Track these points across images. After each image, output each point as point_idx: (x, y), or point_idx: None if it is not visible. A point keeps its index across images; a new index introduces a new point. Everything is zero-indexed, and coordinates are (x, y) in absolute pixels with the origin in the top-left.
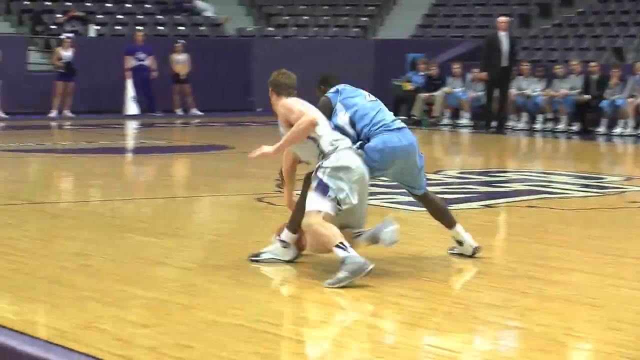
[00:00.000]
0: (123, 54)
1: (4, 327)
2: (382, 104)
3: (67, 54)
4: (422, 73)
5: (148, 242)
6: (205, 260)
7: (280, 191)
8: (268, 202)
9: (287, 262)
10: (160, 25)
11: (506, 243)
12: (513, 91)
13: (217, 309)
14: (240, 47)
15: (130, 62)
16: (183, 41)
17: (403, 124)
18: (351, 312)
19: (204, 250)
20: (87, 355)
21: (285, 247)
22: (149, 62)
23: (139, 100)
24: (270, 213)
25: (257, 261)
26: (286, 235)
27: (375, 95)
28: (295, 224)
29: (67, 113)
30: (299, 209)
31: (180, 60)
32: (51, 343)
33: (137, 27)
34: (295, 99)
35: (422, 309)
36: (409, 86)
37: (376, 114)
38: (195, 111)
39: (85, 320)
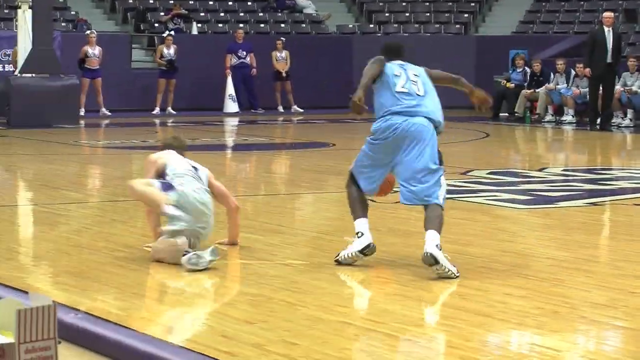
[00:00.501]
0: (224, 51)
1: (110, 321)
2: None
3: (169, 51)
4: (520, 69)
5: (251, 238)
6: (308, 257)
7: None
8: (370, 200)
9: (365, 250)
10: (262, 22)
11: (612, 242)
12: (618, 87)
13: (322, 306)
14: (341, 44)
15: (231, 59)
16: (283, 39)
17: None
18: (455, 311)
19: (307, 247)
20: (194, 352)
21: (359, 236)
22: (249, 59)
23: (240, 97)
24: (372, 210)
25: (338, 262)
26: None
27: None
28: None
29: (170, 110)
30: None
31: (281, 58)
32: (157, 339)
33: (239, 25)
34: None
35: (528, 308)
36: (509, 85)
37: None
38: (296, 108)
39: (191, 316)
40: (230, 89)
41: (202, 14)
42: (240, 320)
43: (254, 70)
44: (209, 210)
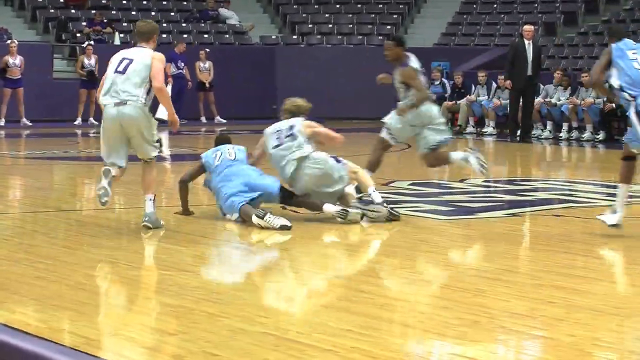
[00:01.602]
0: None
1: (30, 334)
2: None
3: (90, 62)
4: (437, 82)
5: (173, 249)
6: (230, 267)
7: None
8: (293, 210)
9: None
10: (185, 32)
11: (532, 252)
12: (539, 99)
13: (244, 317)
14: (264, 55)
15: (171, 69)
16: (207, 49)
17: None
18: (376, 321)
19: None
20: None
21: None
22: (185, 71)
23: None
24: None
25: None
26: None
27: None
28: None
29: (92, 121)
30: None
31: (204, 68)
32: (77, 350)
33: (162, 35)
34: None
35: (448, 318)
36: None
37: None
38: (219, 119)
39: (111, 327)
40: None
41: (124, 24)
42: (161, 332)
43: (190, 83)
44: None
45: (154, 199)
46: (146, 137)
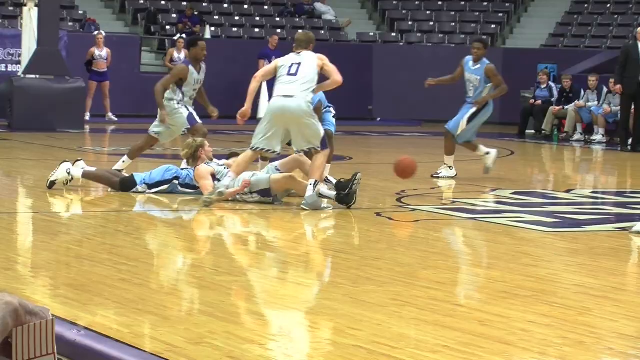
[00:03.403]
0: (239, 56)
1: (111, 338)
2: None
3: (180, 55)
4: (544, 85)
5: (261, 254)
6: (322, 277)
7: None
8: (388, 217)
9: None
10: (278, 27)
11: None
12: None
13: (335, 328)
14: (361, 53)
15: (265, 65)
16: None
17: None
18: (475, 338)
19: (321, 266)
20: None
21: None
22: None
23: None
24: (390, 228)
25: None
26: None
27: (503, 107)
28: None
29: None
30: None
31: None
32: (159, 357)
33: (255, 29)
34: None
35: (552, 337)
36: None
37: None
38: None
39: (196, 335)
40: (265, 96)
41: (215, 17)
42: (249, 341)
43: None
44: None
45: (313, 184)
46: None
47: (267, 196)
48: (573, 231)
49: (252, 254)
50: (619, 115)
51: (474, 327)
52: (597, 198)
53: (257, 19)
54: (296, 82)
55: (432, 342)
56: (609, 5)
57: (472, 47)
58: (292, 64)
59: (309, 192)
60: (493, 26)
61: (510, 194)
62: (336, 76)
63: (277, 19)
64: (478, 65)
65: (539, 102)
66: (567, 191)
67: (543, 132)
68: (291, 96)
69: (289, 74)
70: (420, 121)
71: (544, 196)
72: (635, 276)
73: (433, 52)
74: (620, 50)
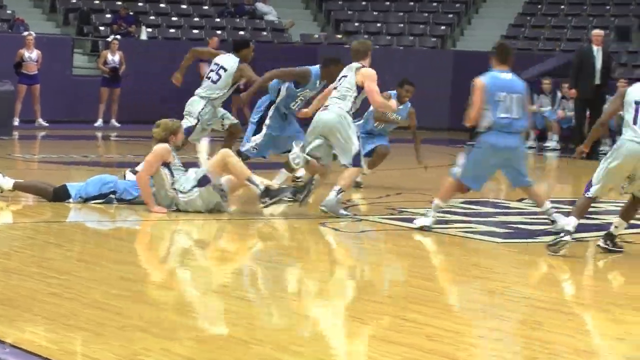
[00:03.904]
0: (177, 58)
1: (39, 356)
2: None
3: (114, 58)
4: None
5: (202, 267)
6: (263, 290)
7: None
8: (333, 228)
9: None
10: (218, 29)
11: (598, 281)
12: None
13: (277, 344)
14: (305, 55)
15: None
16: None
17: None
18: (423, 353)
19: (263, 279)
20: None
21: None
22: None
23: None
24: (335, 239)
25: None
26: None
27: (453, 113)
28: None
29: (113, 122)
30: None
31: None
32: None
33: (192, 30)
34: None
35: (503, 352)
36: None
37: None
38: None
39: (130, 351)
40: None
41: (152, 18)
42: (185, 358)
43: None
44: None
45: (337, 190)
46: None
47: (205, 182)
48: (525, 242)
49: (190, 266)
50: (574, 120)
51: (422, 342)
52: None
53: (196, 19)
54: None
55: (378, 359)
56: (563, 7)
57: (404, 89)
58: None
59: (331, 195)
60: (443, 28)
61: (461, 203)
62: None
63: (217, 19)
64: (401, 107)
65: None
66: (520, 200)
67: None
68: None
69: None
70: None
71: (496, 205)
72: (589, 288)
73: (380, 55)
74: (575, 54)
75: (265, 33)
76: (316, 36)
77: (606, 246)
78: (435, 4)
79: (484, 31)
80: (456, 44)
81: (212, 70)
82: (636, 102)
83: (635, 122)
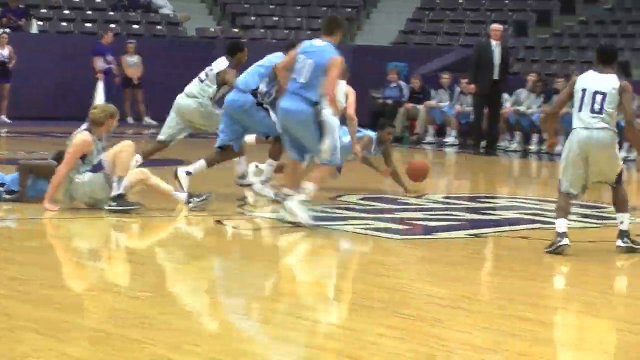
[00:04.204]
0: (69, 52)
1: None
2: None
3: (3, 52)
4: (394, 85)
5: (95, 266)
6: (158, 289)
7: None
8: (228, 225)
9: None
10: (111, 22)
11: (495, 278)
12: (508, 107)
13: (173, 344)
14: (201, 49)
15: (98, 64)
16: (133, 41)
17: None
18: (322, 353)
19: (157, 279)
20: None
21: None
22: (114, 66)
23: None
24: (230, 237)
25: None
26: None
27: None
28: None
29: (3, 119)
30: None
31: (133, 63)
32: None
33: (85, 24)
34: None
35: (402, 350)
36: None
37: None
38: (148, 120)
39: (20, 353)
40: (101, 96)
41: (43, 11)
42: (75, 359)
43: (117, 79)
44: None
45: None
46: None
47: (99, 169)
48: (425, 238)
49: (83, 266)
50: (472, 116)
51: (321, 342)
52: (449, 204)
53: (89, 13)
54: None
55: (274, 359)
56: (461, 2)
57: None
58: None
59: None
60: None
61: (359, 199)
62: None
63: (111, 13)
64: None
65: (390, 101)
66: (419, 197)
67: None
68: None
69: None
70: None
71: (395, 202)
72: (487, 285)
73: (277, 49)
74: (474, 49)
75: (160, 27)
76: (212, 30)
77: (626, 244)
78: None
79: (383, 26)
80: (355, 39)
81: (204, 72)
82: (582, 90)
83: (580, 110)
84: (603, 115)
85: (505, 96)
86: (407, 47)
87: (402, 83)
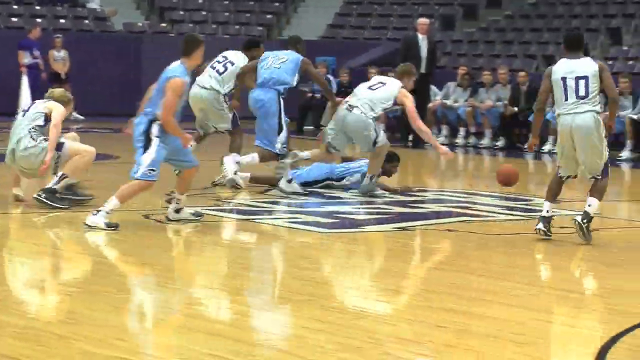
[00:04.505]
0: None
1: None
2: None
3: None
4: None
5: (20, 262)
6: (84, 284)
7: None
8: (156, 220)
9: None
10: (39, 17)
11: (422, 270)
12: (437, 99)
13: (98, 339)
14: (129, 44)
15: (25, 58)
16: (59, 35)
17: None
18: (246, 346)
19: (83, 273)
20: None
21: None
22: (40, 60)
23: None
24: (159, 232)
25: None
26: None
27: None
28: None
29: None
30: None
31: (59, 57)
32: None
33: (10, 18)
34: None
35: (327, 343)
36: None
37: None
38: (76, 115)
39: None
40: (26, 91)
41: None
42: (5, 357)
43: (44, 74)
44: None
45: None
46: None
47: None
48: (352, 232)
49: (7, 261)
50: (400, 110)
51: (246, 335)
52: (376, 197)
53: (15, 7)
54: None
55: (200, 352)
56: None
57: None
58: None
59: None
60: (269, 16)
61: (287, 193)
62: None
63: (37, 7)
64: None
65: (318, 95)
66: (345, 190)
67: (322, 127)
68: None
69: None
70: (192, 117)
71: (322, 196)
72: (413, 277)
73: (207, 44)
74: (401, 42)
75: (87, 21)
76: (140, 25)
77: (580, 225)
78: None
79: (310, 20)
80: (282, 33)
81: (218, 62)
82: (562, 79)
83: (566, 98)
84: (589, 98)
85: (435, 90)
86: (335, 41)
87: (330, 77)
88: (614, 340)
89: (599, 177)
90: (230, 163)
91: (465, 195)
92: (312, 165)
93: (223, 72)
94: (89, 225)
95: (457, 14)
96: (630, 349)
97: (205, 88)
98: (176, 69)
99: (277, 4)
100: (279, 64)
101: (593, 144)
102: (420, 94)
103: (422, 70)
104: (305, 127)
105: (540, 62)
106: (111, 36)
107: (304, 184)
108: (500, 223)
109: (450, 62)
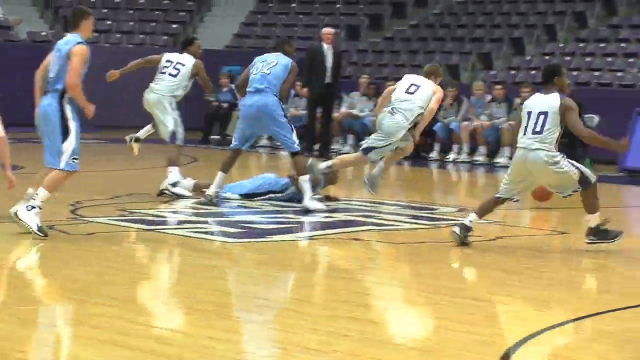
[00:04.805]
0: None
1: None
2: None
3: None
4: (226, 89)
5: None
6: None
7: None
8: (60, 230)
9: None
10: None
11: (327, 280)
12: (343, 110)
13: (1, 353)
14: (33, 54)
15: None
16: None
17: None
18: (151, 356)
19: None
20: None
21: None
22: None
23: None
24: (63, 242)
25: None
26: None
27: (188, 111)
28: None
29: None
30: None
31: None
32: None
33: None
34: None
35: (234, 352)
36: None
37: None
38: None
39: None
40: None
41: None
42: None
43: None
44: None
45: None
46: None
47: None
48: (258, 241)
49: None
50: (305, 119)
51: (151, 345)
52: (282, 206)
53: None
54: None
55: None
56: (293, 5)
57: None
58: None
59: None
60: (175, 25)
61: (194, 203)
62: None
63: None
64: None
65: (225, 105)
66: (251, 199)
67: (227, 137)
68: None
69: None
70: (99, 127)
71: (227, 205)
72: (320, 287)
73: (111, 53)
74: (306, 52)
75: None
76: (44, 34)
77: (590, 241)
78: (167, 1)
79: (216, 29)
80: None
81: (165, 67)
82: (528, 113)
83: (525, 132)
84: (542, 135)
85: (344, 98)
86: (241, 51)
87: (234, 87)
88: (517, 345)
89: (579, 190)
90: (174, 174)
91: (371, 204)
92: (258, 177)
93: (176, 75)
94: (20, 219)
95: (363, 24)
96: (533, 355)
97: (153, 92)
98: (75, 38)
99: (182, 13)
100: (269, 69)
101: (555, 174)
102: (325, 104)
103: (327, 80)
104: (211, 137)
105: (444, 72)
106: (15, 45)
107: (246, 195)
108: (405, 232)
109: (356, 71)
